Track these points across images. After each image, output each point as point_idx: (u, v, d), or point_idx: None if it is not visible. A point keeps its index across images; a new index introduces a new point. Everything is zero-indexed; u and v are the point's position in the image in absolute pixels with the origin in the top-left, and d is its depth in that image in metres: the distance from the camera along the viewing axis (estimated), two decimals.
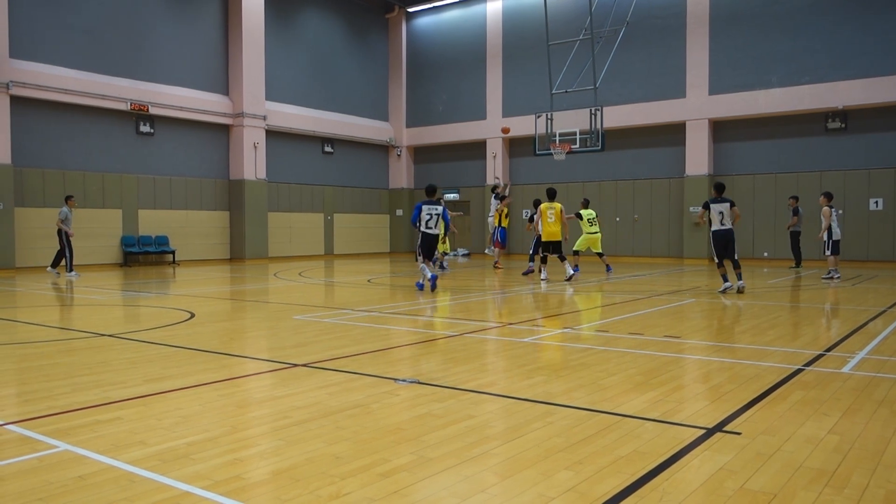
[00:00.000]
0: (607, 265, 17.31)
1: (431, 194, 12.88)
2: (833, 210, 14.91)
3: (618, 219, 23.37)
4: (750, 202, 21.23)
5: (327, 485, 3.25)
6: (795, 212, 18.34)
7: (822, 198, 15.19)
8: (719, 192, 12.48)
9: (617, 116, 22.22)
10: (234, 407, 4.75)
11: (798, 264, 18.55)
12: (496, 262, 18.70)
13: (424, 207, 12.67)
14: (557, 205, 14.73)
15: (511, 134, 25.40)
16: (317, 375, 5.68)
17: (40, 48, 18.33)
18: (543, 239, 14.79)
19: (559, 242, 14.72)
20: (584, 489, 3.19)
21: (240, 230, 22.82)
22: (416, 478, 3.35)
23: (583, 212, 16.86)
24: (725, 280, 12.28)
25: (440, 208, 12.71)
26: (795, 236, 18.51)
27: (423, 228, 12.67)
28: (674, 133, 22.41)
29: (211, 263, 22.15)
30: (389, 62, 28.56)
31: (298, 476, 3.36)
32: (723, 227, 12.21)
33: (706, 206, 12.42)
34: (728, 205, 12.18)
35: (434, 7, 27.53)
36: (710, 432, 4.06)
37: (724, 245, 12.22)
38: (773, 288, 13.62)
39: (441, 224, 12.86)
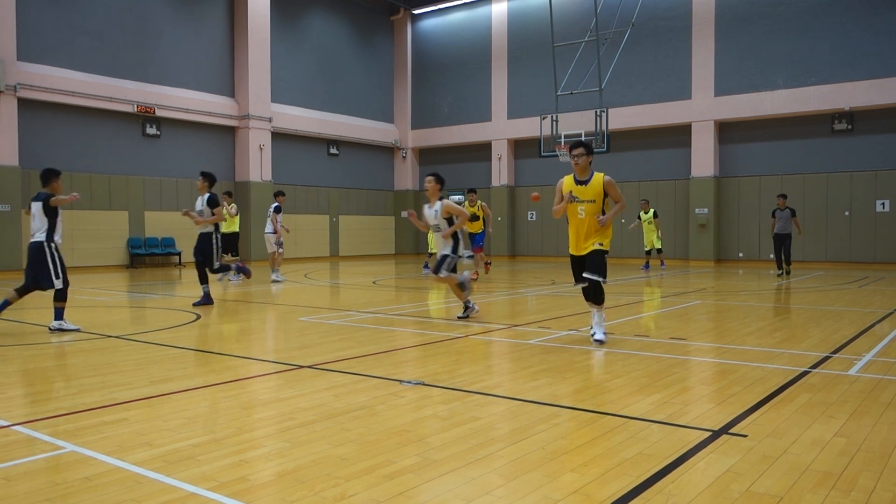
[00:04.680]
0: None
1: (42, 182, 8.45)
2: None
3: (622, 220, 23.32)
4: (756, 204, 21.17)
5: (332, 486, 3.25)
6: (794, 213, 16.65)
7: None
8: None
9: (622, 118, 22.18)
10: (240, 408, 4.76)
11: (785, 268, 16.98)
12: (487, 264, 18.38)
13: (32, 205, 8.46)
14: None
15: (515, 135, 25.46)
16: (322, 377, 5.69)
17: (47, 51, 18.42)
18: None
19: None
20: (589, 491, 3.18)
21: (245, 232, 22.84)
22: (421, 479, 3.35)
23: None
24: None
25: (39, 204, 8.31)
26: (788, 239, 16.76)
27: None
28: (679, 134, 22.36)
29: None
30: (395, 64, 28.59)
31: (303, 477, 3.37)
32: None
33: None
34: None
35: (439, 9, 27.56)
36: (715, 434, 4.05)
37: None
38: (778, 290, 13.58)
39: (45, 227, 8.23)
